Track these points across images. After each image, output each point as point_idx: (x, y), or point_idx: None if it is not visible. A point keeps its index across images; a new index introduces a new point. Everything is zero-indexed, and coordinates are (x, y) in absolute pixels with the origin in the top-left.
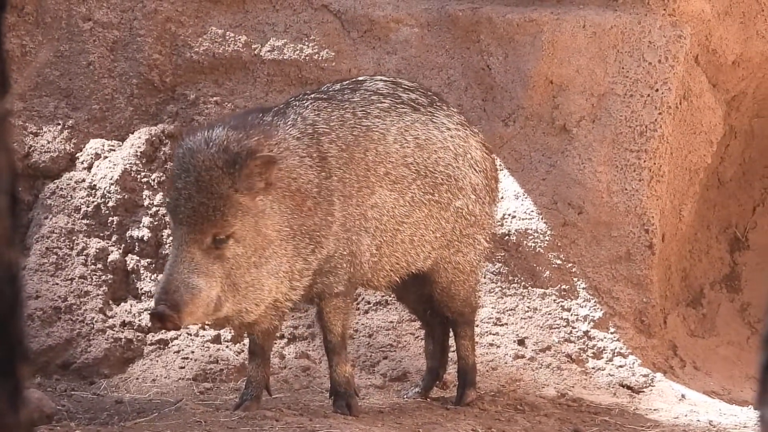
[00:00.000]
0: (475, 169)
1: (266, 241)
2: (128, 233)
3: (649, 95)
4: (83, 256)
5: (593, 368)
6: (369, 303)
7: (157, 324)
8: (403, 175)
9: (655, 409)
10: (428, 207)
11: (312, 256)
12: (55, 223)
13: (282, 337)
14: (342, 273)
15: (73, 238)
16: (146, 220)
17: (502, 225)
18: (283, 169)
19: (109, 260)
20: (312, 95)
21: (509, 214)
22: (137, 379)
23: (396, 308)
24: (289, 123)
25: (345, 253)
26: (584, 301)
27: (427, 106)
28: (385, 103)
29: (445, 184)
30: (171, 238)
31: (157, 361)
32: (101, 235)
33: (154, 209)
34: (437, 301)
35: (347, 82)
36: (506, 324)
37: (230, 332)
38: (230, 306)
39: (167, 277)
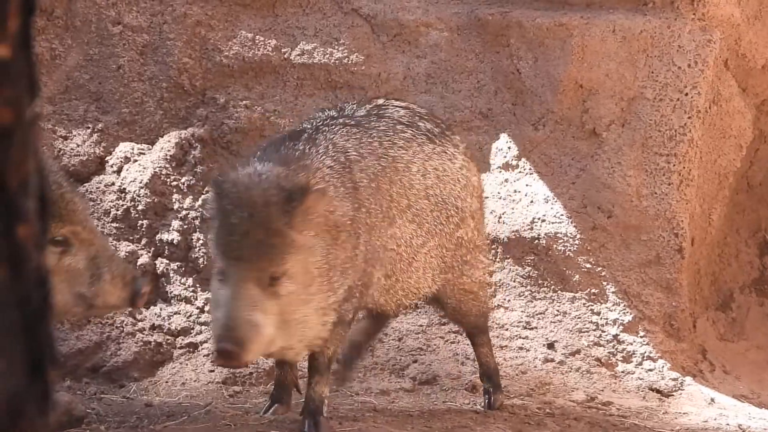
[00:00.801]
0: (474, 196)
1: (311, 277)
2: (158, 237)
3: (678, 99)
4: None
5: (623, 372)
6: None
7: (220, 361)
8: (423, 208)
9: (684, 413)
10: (439, 237)
11: (340, 289)
12: None
13: None
14: (354, 302)
15: None
16: (176, 223)
17: (531, 229)
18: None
19: (138, 263)
20: (340, 120)
21: (539, 218)
22: (167, 382)
23: (426, 312)
24: (321, 151)
25: (359, 283)
26: (614, 305)
27: (439, 136)
28: (407, 133)
29: (455, 216)
30: (219, 272)
31: (187, 364)
32: (131, 238)
33: (184, 212)
34: (450, 318)
35: (370, 106)
36: (536, 328)
37: None
38: (279, 343)
39: (229, 314)
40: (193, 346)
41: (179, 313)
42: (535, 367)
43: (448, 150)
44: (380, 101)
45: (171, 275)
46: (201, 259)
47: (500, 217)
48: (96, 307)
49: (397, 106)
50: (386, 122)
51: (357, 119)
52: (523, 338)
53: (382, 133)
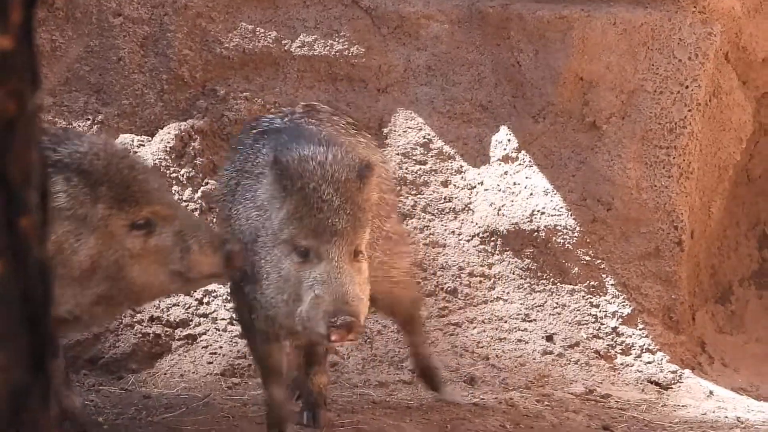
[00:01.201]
0: (393, 190)
1: (366, 253)
2: None
3: (678, 92)
4: None
5: (621, 364)
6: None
7: (341, 335)
8: (387, 203)
9: (683, 406)
10: (372, 231)
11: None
12: None
13: None
14: None
15: None
16: None
17: (531, 221)
18: None
19: None
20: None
21: (538, 211)
22: (165, 374)
23: (425, 304)
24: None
25: None
26: (613, 298)
27: (359, 134)
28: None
29: (383, 210)
30: (300, 250)
31: (185, 356)
32: None
33: (184, 204)
34: (385, 312)
35: (301, 110)
36: (534, 320)
37: None
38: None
39: (340, 289)
40: (192, 338)
41: (178, 305)
42: (534, 359)
43: (371, 145)
44: (303, 104)
45: None
46: None
47: (499, 210)
48: (193, 280)
49: (329, 109)
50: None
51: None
52: (522, 330)
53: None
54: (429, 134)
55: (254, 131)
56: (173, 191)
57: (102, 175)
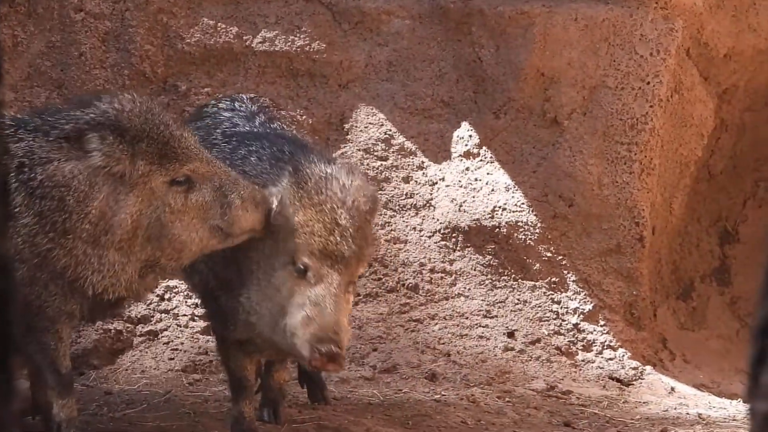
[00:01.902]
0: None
1: None
2: None
3: (640, 88)
4: None
5: (583, 361)
6: (359, 295)
7: (324, 363)
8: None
9: (644, 402)
10: None
11: None
12: None
13: None
14: None
15: None
16: None
17: (492, 217)
18: None
19: None
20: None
21: (500, 207)
22: (126, 370)
23: (386, 300)
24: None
25: None
26: (574, 294)
27: None
28: None
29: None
30: (300, 267)
31: (147, 352)
32: None
33: None
34: None
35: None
36: (496, 316)
37: None
38: None
39: (331, 318)
40: (153, 334)
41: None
42: (495, 355)
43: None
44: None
45: None
46: None
47: (461, 206)
48: (233, 235)
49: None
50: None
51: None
52: (484, 327)
53: None
54: (390, 130)
55: (229, 135)
56: None
57: (140, 131)
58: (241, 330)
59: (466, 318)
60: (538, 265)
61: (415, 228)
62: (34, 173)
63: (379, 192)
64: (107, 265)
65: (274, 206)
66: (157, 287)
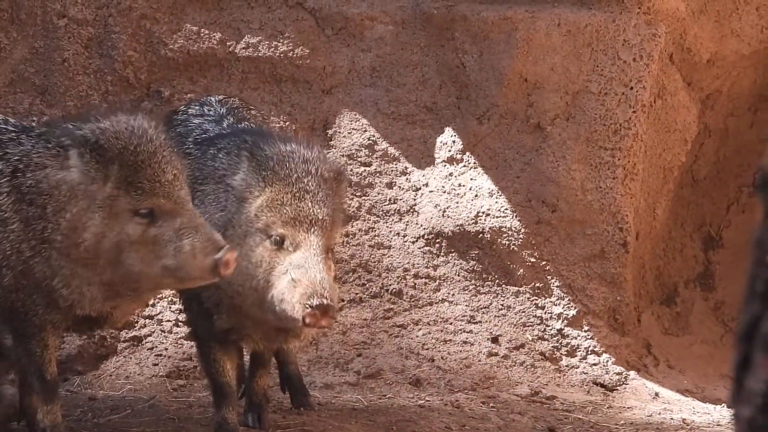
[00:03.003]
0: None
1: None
2: None
3: (623, 93)
4: None
5: (567, 366)
6: (343, 300)
7: (318, 316)
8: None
9: (628, 408)
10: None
11: None
12: None
13: None
14: None
15: None
16: None
17: (476, 223)
18: None
19: None
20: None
21: (483, 212)
22: (111, 376)
23: (370, 306)
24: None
25: None
26: (558, 299)
27: None
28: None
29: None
30: (276, 237)
31: (131, 358)
32: None
33: None
34: None
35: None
36: (480, 322)
37: None
38: None
39: (318, 276)
40: (137, 340)
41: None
42: (480, 361)
43: None
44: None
45: None
46: None
47: (444, 211)
48: (182, 279)
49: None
50: None
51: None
52: (468, 332)
53: None
54: (374, 136)
55: (200, 143)
56: None
57: (116, 154)
58: (227, 317)
59: (450, 323)
60: (521, 270)
61: (398, 233)
62: (25, 178)
63: (363, 197)
64: (75, 279)
65: (223, 258)
66: (132, 315)
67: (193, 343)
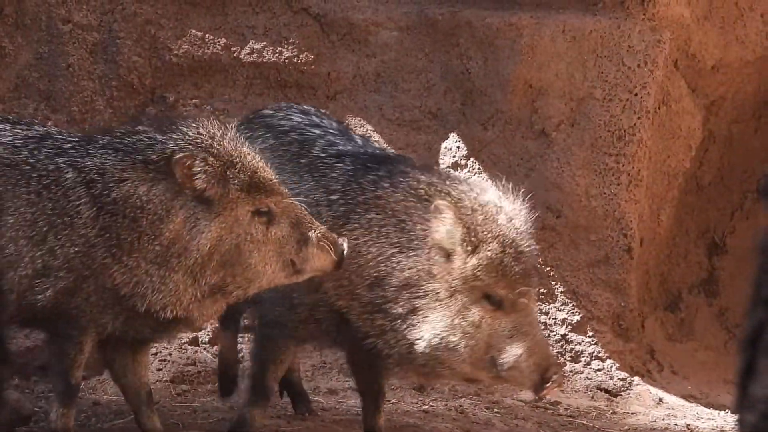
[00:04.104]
0: None
1: None
2: None
3: (628, 100)
4: None
5: (571, 372)
6: None
7: (555, 388)
8: None
9: (632, 413)
10: None
11: None
12: None
13: None
14: None
15: None
16: None
17: None
18: None
19: None
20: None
21: None
22: None
23: None
24: None
25: None
26: (562, 305)
27: None
28: None
29: None
30: (492, 298)
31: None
32: None
33: None
34: None
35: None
36: None
37: (208, 335)
38: None
39: (547, 342)
40: None
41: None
42: None
43: None
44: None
45: None
46: None
47: None
48: (303, 272)
49: None
50: None
51: None
52: None
53: None
54: (378, 141)
55: (332, 152)
56: None
57: (231, 157)
58: (404, 358)
59: None
60: None
61: None
62: (107, 190)
63: None
64: (170, 285)
65: (345, 250)
66: (213, 319)
67: (197, 348)
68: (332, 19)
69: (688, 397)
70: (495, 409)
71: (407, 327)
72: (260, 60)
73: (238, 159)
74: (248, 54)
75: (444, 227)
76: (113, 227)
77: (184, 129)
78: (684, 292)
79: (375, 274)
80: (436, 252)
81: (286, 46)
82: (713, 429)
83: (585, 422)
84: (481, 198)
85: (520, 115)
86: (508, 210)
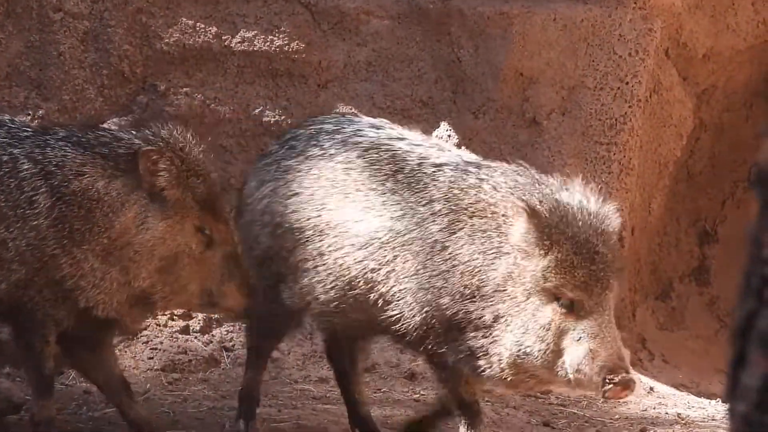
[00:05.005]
0: None
1: None
2: None
3: (619, 88)
4: None
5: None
6: None
7: (620, 391)
8: None
9: (623, 402)
10: None
11: None
12: None
13: None
14: None
15: None
16: None
17: None
18: None
19: None
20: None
21: None
22: None
23: None
24: None
25: None
26: None
27: None
28: None
29: None
30: (565, 302)
31: (126, 351)
32: None
33: None
34: None
35: None
36: None
37: (199, 323)
38: None
39: (619, 345)
40: (132, 334)
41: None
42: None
43: None
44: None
45: None
46: None
47: None
48: (217, 306)
49: None
50: None
51: None
52: None
53: None
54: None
55: (438, 165)
56: None
57: (198, 169)
58: (500, 368)
59: None
60: None
61: None
62: (66, 182)
63: None
64: (107, 281)
65: (257, 297)
66: (139, 328)
67: (187, 336)
68: (323, 7)
69: (679, 386)
70: (486, 398)
71: (493, 334)
72: (251, 48)
73: (201, 172)
74: (239, 42)
75: (520, 229)
76: (66, 218)
77: (157, 129)
78: (675, 281)
79: (477, 282)
80: (515, 255)
81: (277, 35)
82: (704, 418)
83: (576, 411)
84: (560, 199)
85: (511, 103)
86: (587, 211)
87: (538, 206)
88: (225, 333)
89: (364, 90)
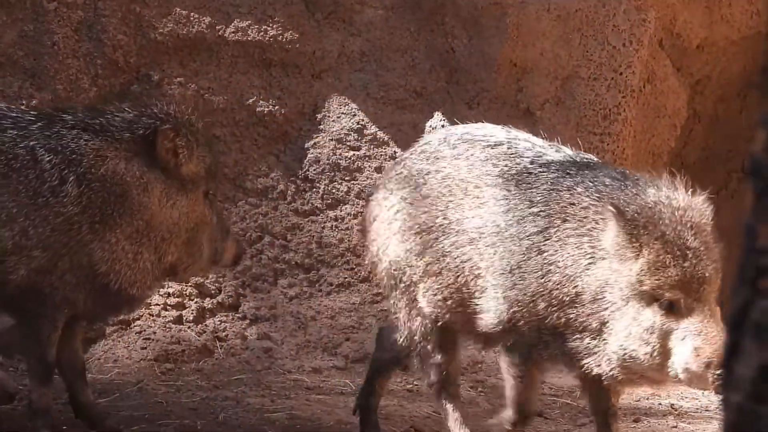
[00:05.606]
0: None
1: None
2: None
3: (613, 78)
4: None
5: None
6: (331, 285)
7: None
8: None
9: (616, 392)
10: None
11: None
12: None
13: (244, 318)
14: None
15: None
16: None
17: None
18: None
19: None
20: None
21: None
22: (99, 359)
23: (358, 290)
24: None
25: None
26: None
27: None
28: None
29: None
30: (665, 303)
31: (119, 341)
32: None
33: None
34: None
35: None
36: None
37: (192, 313)
38: None
39: (720, 340)
40: (126, 324)
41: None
42: (468, 345)
43: None
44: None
45: None
46: None
47: None
48: (220, 263)
49: None
50: None
51: None
52: None
53: None
54: (363, 120)
55: (544, 164)
56: None
57: (203, 138)
58: (612, 370)
59: None
60: None
61: None
62: (92, 168)
63: (352, 182)
64: (140, 262)
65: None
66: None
67: (181, 327)
68: None
69: None
70: (479, 388)
71: (600, 342)
72: (245, 38)
73: (203, 140)
74: (233, 32)
75: (610, 234)
76: (96, 202)
77: (161, 106)
78: None
79: (574, 290)
80: (609, 260)
81: (271, 25)
82: (697, 408)
83: (569, 401)
84: (648, 199)
85: (505, 93)
86: (676, 207)
87: (625, 208)
88: (218, 323)
89: (358, 80)
